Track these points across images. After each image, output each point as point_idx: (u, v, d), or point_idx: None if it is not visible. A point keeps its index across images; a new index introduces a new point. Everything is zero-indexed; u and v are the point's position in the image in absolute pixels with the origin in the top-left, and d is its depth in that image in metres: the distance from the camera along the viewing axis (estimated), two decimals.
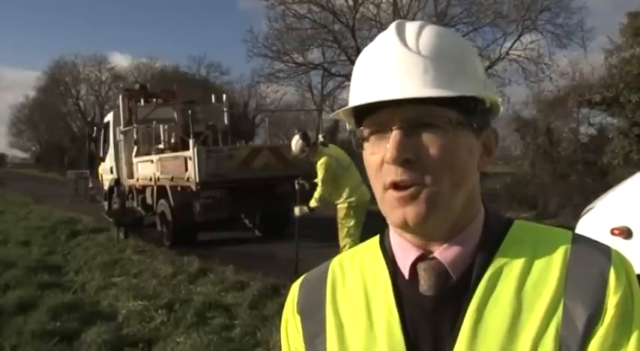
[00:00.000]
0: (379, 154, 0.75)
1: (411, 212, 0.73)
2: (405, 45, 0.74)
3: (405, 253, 0.79)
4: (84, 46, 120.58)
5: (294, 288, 0.90)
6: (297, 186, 6.67)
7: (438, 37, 0.75)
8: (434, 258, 0.77)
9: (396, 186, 0.73)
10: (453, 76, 0.74)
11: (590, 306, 0.71)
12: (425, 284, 0.77)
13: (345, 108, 0.79)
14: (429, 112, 0.73)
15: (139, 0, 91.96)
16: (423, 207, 0.72)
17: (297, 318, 0.86)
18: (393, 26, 0.77)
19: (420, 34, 0.75)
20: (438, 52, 0.74)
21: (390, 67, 0.74)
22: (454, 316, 0.74)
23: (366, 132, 0.77)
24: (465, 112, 0.75)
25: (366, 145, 0.78)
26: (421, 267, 0.77)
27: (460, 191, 0.75)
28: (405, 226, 0.74)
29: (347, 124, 0.85)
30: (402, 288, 0.79)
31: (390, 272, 0.80)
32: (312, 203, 6.22)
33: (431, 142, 0.73)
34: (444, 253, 0.76)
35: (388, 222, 0.79)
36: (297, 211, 6.40)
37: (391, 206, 0.75)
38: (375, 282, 0.81)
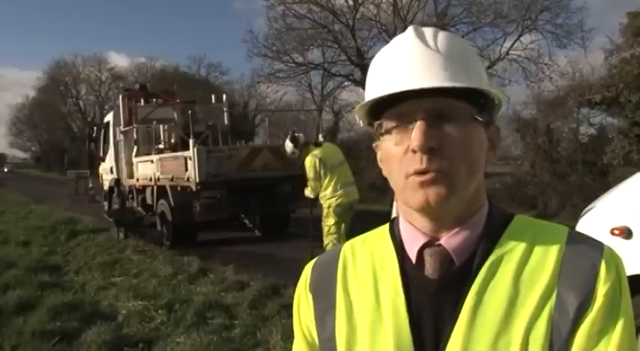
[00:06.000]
0: (402, 145, 0.79)
1: (432, 193, 0.77)
2: (426, 44, 0.80)
3: (413, 240, 0.84)
4: (84, 46, 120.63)
5: (307, 268, 0.95)
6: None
7: (451, 40, 0.83)
8: (439, 245, 0.82)
9: (418, 173, 0.78)
10: (467, 73, 0.80)
11: (581, 294, 0.76)
12: (430, 268, 0.82)
13: (371, 99, 0.81)
14: (449, 104, 0.78)
15: (138, 0, 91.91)
16: (444, 189, 0.77)
17: (309, 296, 0.91)
18: (411, 28, 0.83)
19: (437, 36, 0.82)
20: (453, 52, 0.80)
21: (412, 62, 0.79)
22: (455, 299, 0.80)
23: (389, 124, 0.81)
24: (477, 107, 0.80)
25: (387, 137, 0.82)
26: (427, 253, 0.83)
27: (473, 181, 0.80)
28: (427, 206, 0.78)
29: (360, 121, 0.88)
30: (409, 272, 0.84)
31: (398, 257, 0.86)
32: (307, 194, 6.64)
33: (451, 133, 0.78)
34: (449, 240, 0.82)
35: (404, 209, 0.84)
36: (306, 191, 6.77)
37: (413, 190, 0.79)
38: (383, 265, 0.87)
